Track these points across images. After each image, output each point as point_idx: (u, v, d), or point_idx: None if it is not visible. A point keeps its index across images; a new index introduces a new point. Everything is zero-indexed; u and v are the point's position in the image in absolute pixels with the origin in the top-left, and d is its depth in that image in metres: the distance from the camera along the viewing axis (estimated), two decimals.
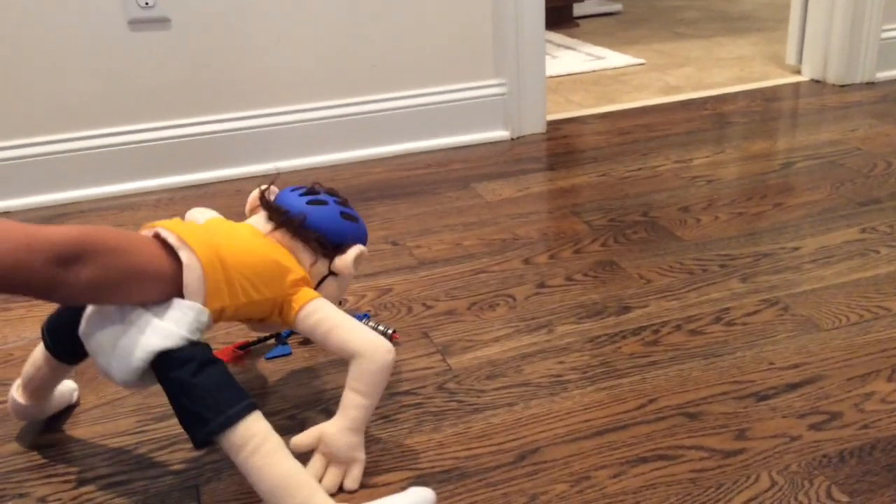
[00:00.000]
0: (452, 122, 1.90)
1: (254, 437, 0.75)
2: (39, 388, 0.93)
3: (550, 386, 1.00)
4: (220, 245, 0.82)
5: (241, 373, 1.07)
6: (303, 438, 0.86)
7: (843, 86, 2.17)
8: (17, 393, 0.95)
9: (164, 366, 0.76)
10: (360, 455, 0.86)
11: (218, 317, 0.82)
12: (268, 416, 0.97)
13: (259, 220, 0.94)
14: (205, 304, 0.79)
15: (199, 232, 0.82)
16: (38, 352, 0.92)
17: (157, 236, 0.80)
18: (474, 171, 1.76)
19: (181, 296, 0.79)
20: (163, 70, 1.70)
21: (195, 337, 0.78)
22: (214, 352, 1.09)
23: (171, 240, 0.79)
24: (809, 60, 2.25)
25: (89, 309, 0.80)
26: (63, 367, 0.91)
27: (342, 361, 1.08)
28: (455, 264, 1.33)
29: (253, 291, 0.84)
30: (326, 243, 0.93)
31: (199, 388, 0.75)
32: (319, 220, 0.93)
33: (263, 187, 0.98)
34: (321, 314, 0.87)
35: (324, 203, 0.95)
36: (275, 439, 0.76)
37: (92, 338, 0.79)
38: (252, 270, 0.84)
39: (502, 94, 1.92)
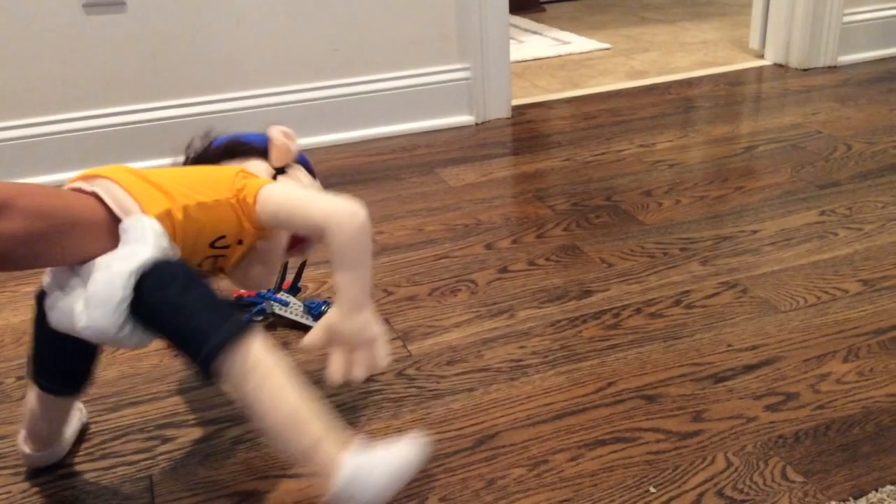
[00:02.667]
0: (417, 106, 1.89)
1: (261, 361, 0.69)
2: (51, 433, 0.86)
3: (511, 371, 1.00)
4: (142, 171, 0.77)
5: None
6: (312, 338, 0.81)
7: (805, 70, 2.19)
8: (27, 446, 0.86)
9: (149, 290, 0.68)
10: (376, 329, 0.80)
11: (171, 226, 0.73)
12: (225, 405, 0.96)
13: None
14: (143, 212, 0.72)
15: (126, 168, 0.77)
16: (34, 402, 0.83)
17: (79, 190, 0.73)
18: (438, 156, 1.74)
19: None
20: (119, 54, 1.66)
21: (165, 254, 0.70)
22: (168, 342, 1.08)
23: (80, 183, 0.73)
24: (772, 45, 2.27)
25: (51, 294, 0.72)
26: (68, 401, 0.85)
27: (301, 348, 1.06)
28: (417, 250, 1.33)
29: (194, 193, 0.77)
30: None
31: (193, 303, 0.69)
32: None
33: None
34: (277, 197, 0.80)
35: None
36: (285, 368, 0.70)
37: (60, 310, 0.71)
38: (189, 177, 0.79)
39: (467, 79, 1.90)
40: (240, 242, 0.81)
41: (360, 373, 0.80)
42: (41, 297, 0.75)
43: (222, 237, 0.79)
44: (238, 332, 0.69)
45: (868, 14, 2.22)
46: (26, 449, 0.86)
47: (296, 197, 0.81)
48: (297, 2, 1.74)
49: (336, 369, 0.81)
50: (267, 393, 0.69)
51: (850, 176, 1.51)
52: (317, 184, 0.98)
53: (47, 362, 0.80)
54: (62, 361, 0.80)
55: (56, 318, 0.71)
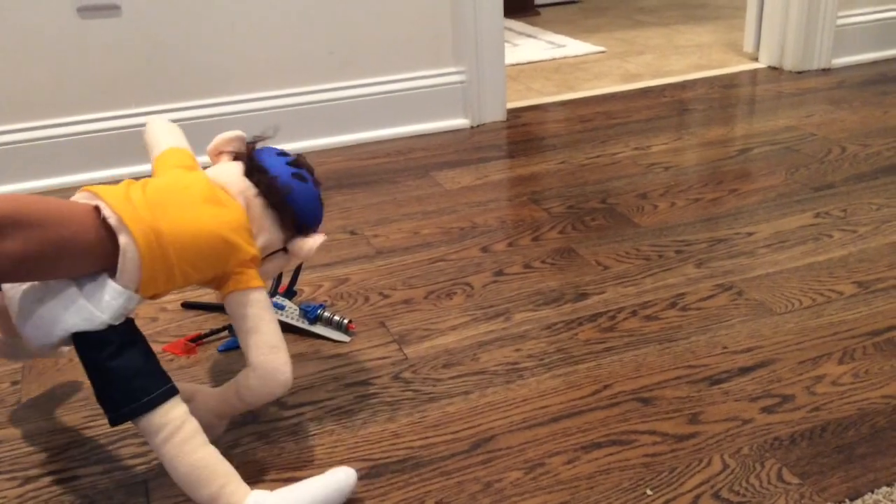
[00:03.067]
0: (412, 110, 1.89)
1: (167, 424, 0.74)
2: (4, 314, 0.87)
3: (507, 374, 1.00)
4: (164, 222, 0.77)
5: (193, 365, 1.05)
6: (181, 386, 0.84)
7: (799, 72, 2.20)
8: None
9: (83, 345, 0.74)
10: (222, 424, 0.88)
11: (151, 297, 0.80)
12: None
13: (229, 171, 0.88)
14: (138, 290, 0.77)
15: (140, 204, 0.77)
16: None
17: (96, 209, 0.75)
18: (434, 159, 1.74)
19: (114, 270, 0.75)
20: (114, 58, 1.66)
21: (119, 321, 0.75)
22: (165, 346, 1.08)
23: (112, 221, 0.75)
24: (766, 47, 2.27)
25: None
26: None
27: (296, 353, 1.06)
28: (413, 253, 1.32)
29: (193, 273, 0.81)
30: (298, 223, 0.89)
31: (114, 372, 0.74)
32: (300, 197, 0.88)
33: (252, 138, 0.93)
34: (252, 310, 0.83)
35: (305, 180, 0.90)
36: (190, 427, 0.75)
37: (13, 293, 0.76)
38: (196, 253, 0.80)
39: (462, 82, 1.91)
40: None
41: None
42: None
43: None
44: (149, 405, 0.74)
45: (862, 17, 2.23)
46: None
47: (261, 326, 0.83)
48: (291, 6, 1.74)
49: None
50: (171, 449, 0.74)
51: (845, 178, 1.52)
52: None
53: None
54: None
55: (8, 296, 0.77)
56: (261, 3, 1.72)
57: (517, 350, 1.05)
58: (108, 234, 0.75)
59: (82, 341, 0.74)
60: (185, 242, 0.79)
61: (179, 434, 0.74)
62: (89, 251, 0.73)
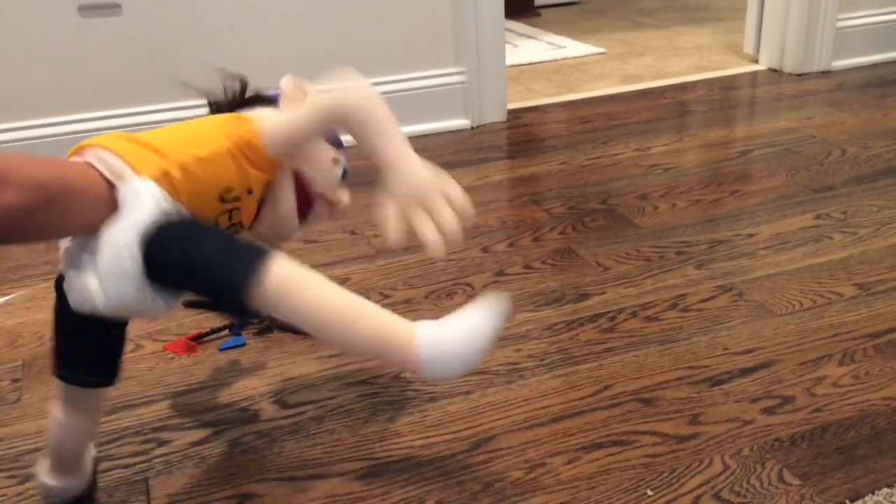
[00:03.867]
0: (412, 110, 1.89)
1: (289, 279, 0.67)
2: (77, 454, 0.80)
3: (507, 374, 1.00)
4: (135, 134, 0.74)
5: (194, 364, 1.05)
6: (389, 226, 0.75)
7: (799, 74, 2.20)
8: (51, 478, 0.80)
9: (158, 253, 0.66)
10: (437, 171, 0.76)
11: (171, 186, 0.70)
12: (221, 407, 0.96)
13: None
14: (139, 176, 0.69)
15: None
16: (59, 415, 0.77)
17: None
18: (434, 159, 1.72)
19: None
20: (114, 57, 1.66)
21: (165, 213, 0.67)
22: (165, 344, 1.08)
23: (74, 157, 0.71)
24: (767, 49, 2.28)
25: (67, 275, 0.70)
26: (94, 403, 0.79)
27: (297, 351, 1.06)
28: (413, 253, 1.32)
29: (190, 149, 0.73)
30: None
31: (201, 256, 0.67)
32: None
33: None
34: (281, 121, 0.77)
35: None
36: (313, 275, 0.68)
37: (77, 290, 0.68)
38: (177, 133, 0.75)
39: (462, 83, 1.91)
40: (249, 192, 0.77)
41: (445, 224, 0.72)
42: (59, 282, 0.72)
43: (230, 189, 0.75)
44: (252, 261, 0.66)
45: (862, 19, 2.23)
46: (51, 481, 0.79)
47: (299, 110, 0.77)
48: (291, 6, 1.74)
49: (426, 233, 0.72)
50: (307, 302, 0.66)
51: (845, 180, 1.52)
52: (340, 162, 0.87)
53: (71, 352, 0.75)
54: (87, 347, 0.75)
55: (75, 300, 0.68)
56: (261, 4, 1.72)
57: (518, 350, 1.05)
58: (105, 179, 0.69)
59: (154, 252, 0.66)
60: (169, 132, 0.76)
61: (309, 284, 0.67)
62: (92, 192, 0.68)
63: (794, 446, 0.85)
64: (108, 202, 0.68)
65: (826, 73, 2.20)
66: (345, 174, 0.88)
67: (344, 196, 0.89)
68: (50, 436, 0.78)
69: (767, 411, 0.91)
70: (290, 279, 0.66)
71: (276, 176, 0.80)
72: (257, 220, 0.81)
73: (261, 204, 0.81)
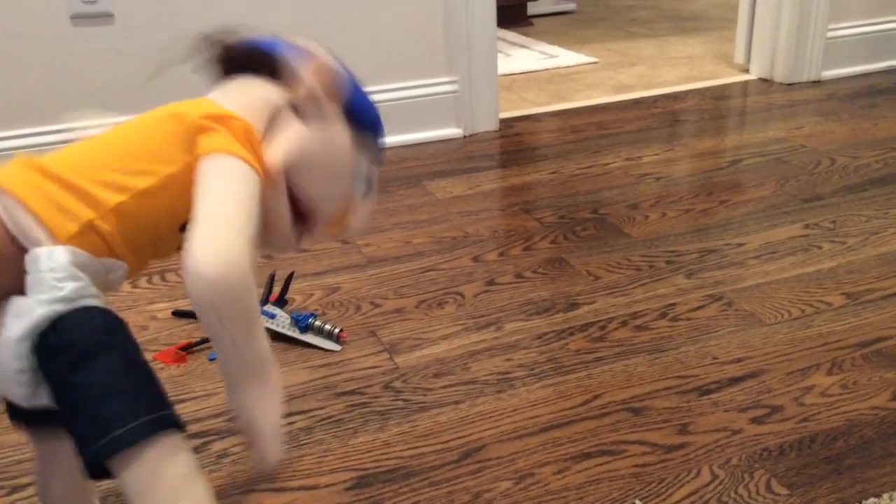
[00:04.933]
0: (405, 119, 1.89)
1: (166, 473, 0.53)
2: (70, 496, 0.72)
3: (497, 383, 1.00)
4: (50, 156, 0.60)
5: (183, 374, 1.05)
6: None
7: (789, 84, 2.21)
8: None
9: (43, 360, 0.53)
10: (254, 417, 0.59)
11: (100, 241, 0.57)
12: (210, 418, 0.95)
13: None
14: (52, 236, 0.55)
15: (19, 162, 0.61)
16: (37, 456, 0.70)
17: None
18: (426, 168, 1.75)
19: None
20: (107, 67, 1.66)
21: (69, 301, 0.53)
22: (155, 354, 1.08)
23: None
24: (757, 59, 2.29)
25: None
26: (62, 443, 0.66)
27: (287, 361, 1.06)
28: (404, 262, 1.33)
29: (133, 178, 0.58)
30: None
31: (78, 390, 0.52)
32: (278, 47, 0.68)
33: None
34: (202, 175, 0.58)
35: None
36: (197, 488, 0.54)
37: None
38: (121, 149, 0.61)
39: (455, 92, 1.91)
40: None
41: (258, 465, 0.61)
42: None
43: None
44: (141, 429, 0.52)
45: (852, 29, 2.24)
46: None
47: (209, 190, 0.57)
48: (283, 16, 1.75)
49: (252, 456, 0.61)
50: None
51: (834, 190, 1.53)
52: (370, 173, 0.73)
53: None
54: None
55: None
56: (254, 13, 1.72)
57: (508, 360, 1.05)
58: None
59: (41, 355, 0.53)
60: (111, 146, 0.62)
61: (184, 487, 0.53)
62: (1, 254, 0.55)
63: (783, 456, 0.85)
64: (15, 263, 0.55)
65: (816, 83, 2.21)
66: (369, 190, 0.73)
67: (360, 216, 0.73)
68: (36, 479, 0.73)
69: (756, 421, 0.91)
70: (164, 476, 0.53)
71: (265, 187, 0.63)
72: None
73: None
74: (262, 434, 0.59)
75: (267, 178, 0.62)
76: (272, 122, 0.65)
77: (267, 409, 0.59)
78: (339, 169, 0.68)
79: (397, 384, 1.01)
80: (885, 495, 0.79)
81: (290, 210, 0.66)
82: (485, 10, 1.87)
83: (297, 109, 0.66)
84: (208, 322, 0.55)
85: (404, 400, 0.98)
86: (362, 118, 0.71)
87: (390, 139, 1.89)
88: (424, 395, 0.98)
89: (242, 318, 0.56)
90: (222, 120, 0.61)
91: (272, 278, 1.17)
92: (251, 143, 0.61)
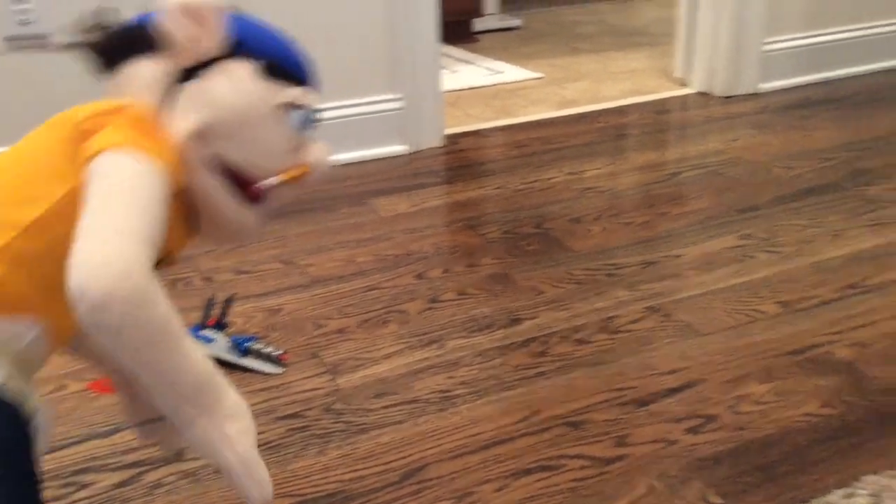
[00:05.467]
0: (348, 137, 1.89)
1: None
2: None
3: (439, 402, 1.00)
4: None
5: (117, 402, 1.03)
6: None
7: (727, 97, 2.26)
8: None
9: None
10: (224, 456, 0.53)
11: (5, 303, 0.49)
12: (145, 447, 0.93)
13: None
14: None
15: None
16: None
17: None
18: (370, 186, 1.75)
19: None
20: (44, 91, 1.63)
21: None
22: (89, 383, 1.06)
23: None
24: (696, 73, 2.34)
25: None
26: None
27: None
28: (347, 281, 1.32)
29: (18, 212, 0.51)
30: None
31: None
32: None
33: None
34: (87, 183, 0.51)
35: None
36: None
37: None
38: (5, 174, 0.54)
39: (399, 109, 1.92)
40: None
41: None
42: None
43: None
44: None
45: (786, 43, 2.31)
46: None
47: (95, 200, 0.49)
48: None
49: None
50: None
51: (769, 200, 1.56)
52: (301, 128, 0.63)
53: None
54: None
55: None
56: None
57: (450, 377, 1.05)
58: None
59: None
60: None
61: None
62: None
63: (718, 465, 0.87)
64: None
65: (753, 96, 2.27)
66: (309, 120, 0.64)
67: (314, 153, 0.64)
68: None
69: (692, 431, 0.92)
70: None
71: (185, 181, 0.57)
72: (191, 235, 0.62)
73: (188, 215, 0.59)
74: (236, 472, 0.53)
75: (176, 163, 0.55)
76: (167, 99, 0.57)
77: (232, 441, 0.52)
78: (252, 116, 0.59)
79: (338, 406, 1.00)
80: (815, 500, 0.81)
81: (229, 187, 0.59)
82: (427, 27, 1.88)
83: (185, 73, 0.58)
84: (119, 353, 0.47)
85: (345, 422, 0.97)
86: (262, 47, 0.61)
87: (335, 157, 1.89)
88: (366, 416, 0.98)
89: (153, 337, 0.47)
90: (109, 114, 0.55)
91: (210, 302, 1.16)
92: (148, 130, 0.54)
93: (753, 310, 1.17)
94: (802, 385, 1.00)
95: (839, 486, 0.83)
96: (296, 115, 0.61)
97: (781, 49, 2.30)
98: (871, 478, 0.84)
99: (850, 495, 0.82)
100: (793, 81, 2.34)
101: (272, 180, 0.60)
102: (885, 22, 2.41)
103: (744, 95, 2.26)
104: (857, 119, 2.00)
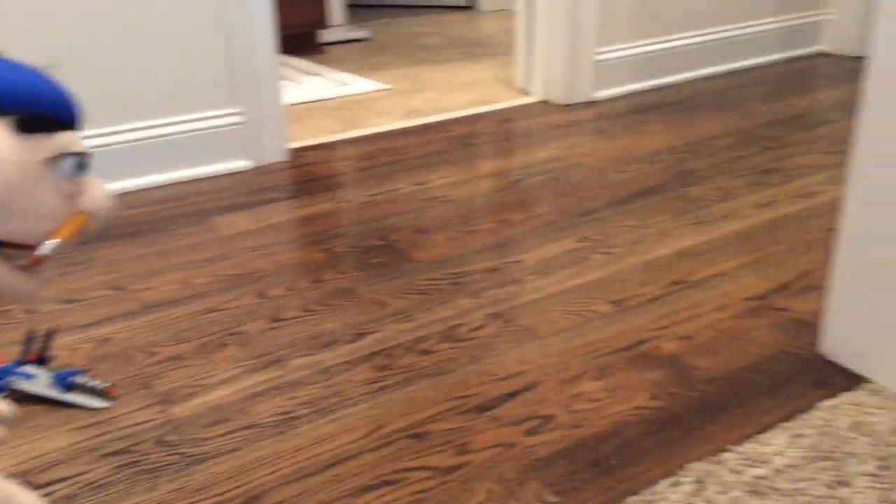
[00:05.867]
0: (187, 153, 1.82)
1: None
2: None
3: (279, 424, 0.98)
4: None
5: None
6: None
7: (566, 105, 2.35)
8: None
9: None
10: None
11: None
12: None
13: None
14: None
15: None
16: None
17: None
18: (212, 203, 1.69)
19: None
20: None
21: None
22: None
23: None
24: (537, 83, 2.42)
25: None
26: None
27: (48, 425, 0.98)
28: (184, 305, 1.27)
29: None
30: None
31: None
32: None
33: None
34: None
35: None
36: None
37: None
38: None
39: (240, 123, 1.87)
40: None
41: None
42: None
43: None
44: None
45: (617, 52, 2.42)
46: None
47: None
48: (48, 47, 1.63)
49: None
50: None
51: (604, 203, 1.63)
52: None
53: None
54: None
55: None
56: (18, 47, 1.60)
57: (291, 398, 1.03)
58: None
59: None
60: None
61: None
62: None
63: (553, 464, 0.89)
64: None
65: (590, 103, 2.37)
66: (82, 164, 0.56)
67: (92, 197, 0.56)
68: None
69: (530, 432, 0.94)
70: None
71: None
72: None
73: None
74: None
75: None
76: None
77: None
78: (16, 183, 0.51)
79: (171, 437, 0.96)
80: (645, 491, 0.84)
81: (1, 258, 0.53)
82: (265, 40, 1.84)
83: None
84: None
85: (179, 454, 0.93)
86: (10, 97, 0.53)
87: (174, 175, 1.82)
88: (201, 446, 0.94)
89: None
90: None
91: (30, 336, 1.08)
92: None
93: (588, 310, 1.22)
94: (632, 380, 1.04)
95: (666, 475, 0.87)
96: (66, 164, 0.54)
97: (613, 58, 2.42)
98: (695, 465, 0.89)
99: (676, 484, 0.86)
100: (626, 89, 2.45)
101: (50, 245, 0.53)
102: (708, 31, 2.58)
103: (582, 103, 2.36)
104: (682, 123, 2.12)
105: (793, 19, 2.76)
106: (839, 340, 1.06)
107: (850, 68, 2.60)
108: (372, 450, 0.93)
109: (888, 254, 0.97)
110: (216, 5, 1.78)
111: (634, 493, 0.84)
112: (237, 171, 1.88)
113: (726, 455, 0.90)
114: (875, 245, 0.99)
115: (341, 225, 1.57)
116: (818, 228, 1.47)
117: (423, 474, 0.88)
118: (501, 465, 0.89)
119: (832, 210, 1.55)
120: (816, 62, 2.70)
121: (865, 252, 1.00)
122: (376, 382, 1.06)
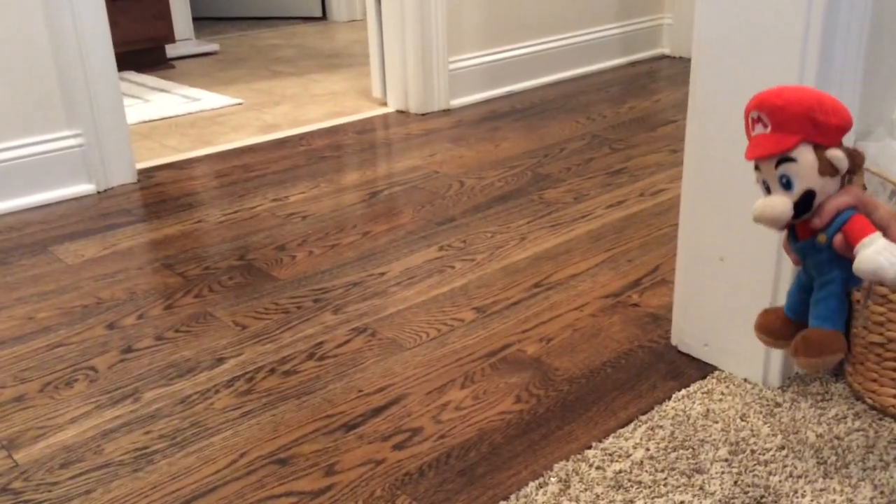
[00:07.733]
0: (25, 180, 1.70)
1: None
2: None
3: (134, 461, 0.92)
4: None
5: None
6: None
7: (423, 114, 2.36)
8: None
9: None
10: None
11: None
12: None
13: None
14: None
15: None
16: None
17: None
18: (54, 232, 1.59)
19: None
20: None
21: None
22: None
23: None
24: (392, 93, 2.42)
25: None
26: None
27: None
28: (26, 341, 1.18)
29: None
30: None
31: None
32: None
33: None
34: None
35: None
36: None
37: None
38: None
39: (80, 146, 1.76)
40: None
41: None
42: None
43: None
44: None
45: (469, 61, 2.46)
46: None
47: None
48: None
49: None
50: None
51: (464, 210, 1.65)
52: None
53: None
54: None
55: None
56: None
57: (147, 433, 0.98)
58: None
59: None
60: None
61: None
62: None
63: (422, 477, 0.89)
64: None
65: (446, 112, 2.39)
66: None
67: None
68: None
69: (398, 447, 0.94)
70: None
71: None
72: None
73: None
74: None
75: None
76: None
77: None
78: None
79: (17, 484, 0.89)
80: (513, 496, 0.85)
81: None
82: (103, 57, 1.75)
83: None
84: None
85: (25, 501, 0.86)
86: None
87: (10, 203, 1.69)
88: (50, 491, 0.88)
89: None
90: None
91: None
92: None
93: (452, 318, 1.22)
94: (497, 385, 1.05)
95: (534, 477, 0.89)
96: None
97: (466, 67, 2.45)
98: (560, 464, 0.91)
99: (542, 484, 0.87)
100: (480, 96, 2.50)
101: None
102: (553, 38, 2.67)
103: (438, 112, 2.38)
104: (535, 128, 2.18)
105: (634, 24, 2.90)
106: (688, 332, 1.11)
107: (688, 69, 2.77)
108: (235, 479, 0.89)
109: (720, 247, 1.03)
110: (46, 21, 1.67)
111: (505, 498, 0.85)
112: (81, 195, 1.77)
113: (589, 452, 0.92)
114: (708, 238, 1.04)
115: (196, 247, 1.51)
116: (665, 224, 1.55)
117: (290, 500, 0.86)
118: (370, 483, 0.88)
119: (676, 206, 1.63)
120: (658, 64, 2.85)
121: (701, 246, 1.06)
122: (238, 409, 1.02)
